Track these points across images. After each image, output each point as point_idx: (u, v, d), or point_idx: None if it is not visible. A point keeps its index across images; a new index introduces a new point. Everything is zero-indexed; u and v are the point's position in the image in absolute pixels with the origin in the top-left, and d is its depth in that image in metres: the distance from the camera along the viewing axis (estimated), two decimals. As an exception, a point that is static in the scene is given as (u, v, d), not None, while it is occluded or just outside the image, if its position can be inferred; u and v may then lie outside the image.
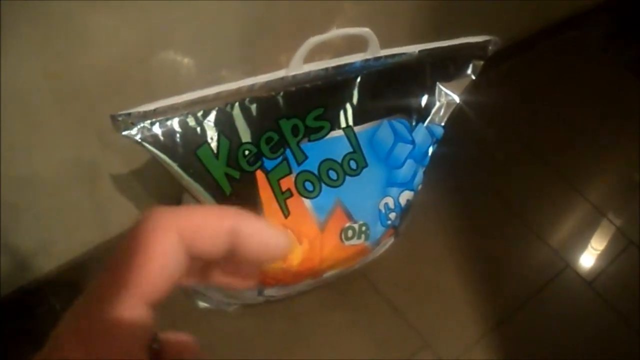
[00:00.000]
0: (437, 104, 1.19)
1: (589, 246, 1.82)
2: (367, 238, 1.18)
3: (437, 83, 1.18)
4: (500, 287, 1.67)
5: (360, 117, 1.11)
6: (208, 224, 0.33)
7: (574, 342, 1.61)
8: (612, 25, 2.52)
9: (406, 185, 1.21)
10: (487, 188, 1.88)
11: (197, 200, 1.02)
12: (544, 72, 2.27)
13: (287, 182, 1.07)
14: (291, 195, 1.07)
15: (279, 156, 1.05)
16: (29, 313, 1.45)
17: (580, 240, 1.83)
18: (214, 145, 0.98)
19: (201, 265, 0.38)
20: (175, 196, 1.23)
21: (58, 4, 0.88)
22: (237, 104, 0.99)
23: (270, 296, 1.36)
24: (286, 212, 1.08)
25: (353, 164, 1.12)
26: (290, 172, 1.07)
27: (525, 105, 2.14)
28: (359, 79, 1.09)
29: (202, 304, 1.48)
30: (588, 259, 1.79)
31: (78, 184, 1.27)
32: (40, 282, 1.41)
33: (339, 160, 1.11)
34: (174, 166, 0.96)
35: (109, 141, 1.16)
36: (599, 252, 1.81)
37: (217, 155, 0.99)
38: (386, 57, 1.11)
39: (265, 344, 1.49)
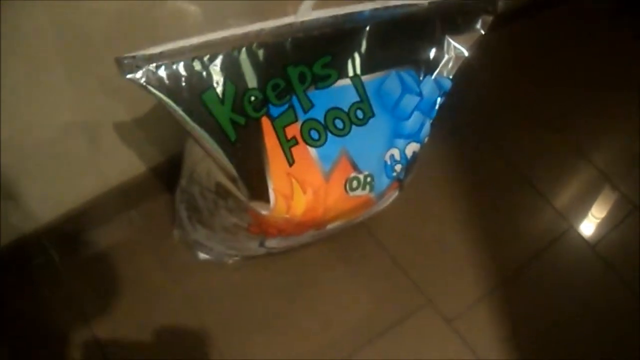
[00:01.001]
0: (446, 57, 1.18)
1: (593, 210, 1.82)
2: (371, 189, 1.18)
3: (446, 36, 1.17)
4: (503, 246, 1.68)
5: (368, 66, 1.10)
6: None
7: (575, 304, 1.62)
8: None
9: (413, 137, 1.20)
10: (493, 146, 1.88)
11: (202, 146, 1.02)
12: (554, 36, 2.25)
13: (293, 130, 1.06)
14: (296, 143, 1.07)
15: (285, 103, 1.04)
16: (27, 264, 1.44)
17: (585, 203, 1.84)
18: (219, 90, 0.97)
19: None
20: (178, 144, 1.22)
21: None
22: (244, 49, 0.98)
23: (272, 248, 1.37)
24: (291, 161, 1.07)
25: (360, 114, 1.11)
26: (296, 120, 1.06)
27: (533, 67, 2.13)
28: (367, 28, 1.08)
29: (202, 256, 1.49)
30: (591, 222, 1.79)
31: (80, 132, 1.26)
32: (40, 233, 1.41)
33: (346, 109, 1.10)
34: (179, 110, 0.95)
35: (113, 89, 1.16)
36: (602, 217, 1.81)
37: (222, 101, 0.98)
38: (395, 7, 1.10)
39: (264, 295, 1.50)
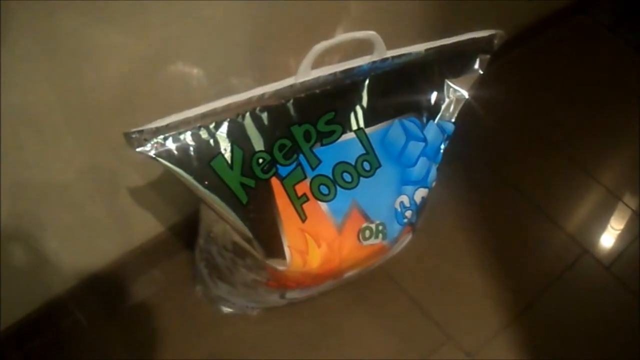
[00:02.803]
0: (447, 101, 1.19)
1: (606, 230, 1.82)
2: (384, 237, 1.19)
3: (446, 80, 1.19)
4: (518, 277, 1.68)
5: (371, 118, 1.12)
6: None
7: (593, 327, 1.61)
8: (620, 7, 2.51)
9: (420, 182, 1.21)
10: (500, 179, 1.89)
11: (214, 211, 1.03)
12: (552, 58, 2.26)
13: (303, 187, 1.08)
14: (307, 199, 1.08)
15: (292, 162, 1.06)
16: (55, 327, 1.46)
17: (597, 225, 1.83)
18: (227, 155, 0.99)
19: None
20: (194, 203, 1.24)
21: (63, 22, 0.89)
22: (248, 113, 0.99)
23: (293, 298, 1.37)
24: (303, 217, 1.08)
25: (366, 165, 1.13)
26: (305, 177, 1.07)
27: (534, 93, 2.14)
28: (367, 81, 1.10)
29: (225, 309, 1.50)
30: (605, 243, 1.79)
31: (96, 197, 1.28)
32: (65, 297, 1.43)
33: (353, 163, 1.12)
34: (190, 179, 0.97)
35: (123, 155, 1.16)
36: (615, 236, 1.81)
37: (231, 166, 0.99)
38: (393, 57, 1.12)
39: (289, 345, 1.50)
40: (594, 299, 1.67)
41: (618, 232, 1.81)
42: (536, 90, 2.15)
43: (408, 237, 1.32)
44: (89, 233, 1.35)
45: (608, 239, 1.79)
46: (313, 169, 1.08)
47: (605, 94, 2.18)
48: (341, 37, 1.03)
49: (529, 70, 2.21)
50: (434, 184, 1.26)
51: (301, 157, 1.07)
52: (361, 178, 1.13)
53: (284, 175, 1.05)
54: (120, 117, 1.10)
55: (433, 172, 1.24)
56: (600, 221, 1.84)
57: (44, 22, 0.87)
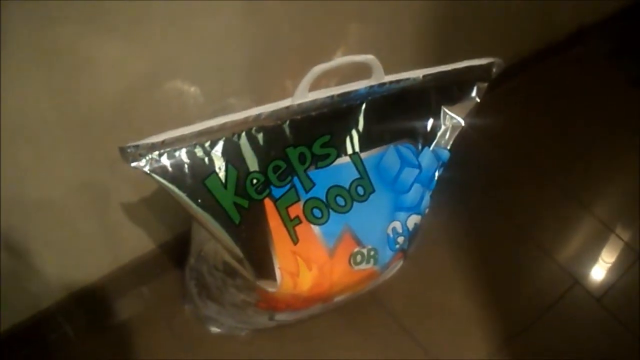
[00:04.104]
0: (443, 128, 1.20)
1: (597, 262, 1.82)
2: (376, 262, 1.19)
3: (442, 106, 1.19)
4: (508, 306, 1.68)
5: (367, 143, 1.12)
6: None
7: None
8: (618, 40, 2.52)
9: (413, 209, 1.21)
10: (493, 207, 1.89)
11: (206, 229, 1.03)
12: (549, 89, 2.28)
13: (296, 210, 1.07)
14: (300, 222, 1.08)
15: (286, 184, 1.05)
16: (42, 340, 1.45)
17: (589, 256, 1.84)
18: (222, 174, 0.98)
19: None
20: (185, 222, 1.23)
21: (62, 34, 0.89)
22: (243, 133, 0.99)
23: (282, 320, 1.37)
24: (295, 239, 1.08)
25: (360, 190, 1.13)
26: (299, 200, 1.07)
27: (531, 123, 2.15)
28: (364, 106, 1.10)
29: (214, 330, 1.49)
30: (596, 275, 1.79)
31: (88, 212, 1.28)
32: (54, 309, 1.42)
33: (347, 187, 1.11)
34: (183, 196, 0.96)
35: (118, 170, 1.17)
36: (607, 268, 1.81)
37: (225, 185, 0.99)
38: (391, 82, 1.12)
39: (277, 367, 1.49)
40: (583, 330, 1.66)
41: (609, 264, 1.81)
42: (532, 120, 2.16)
43: (399, 263, 1.32)
44: (80, 247, 1.35)
45: (599, 270, 1.80)
46: (307, 191, 1.08)
47: (601, 125, 2.19)
48: (340, 60, 1.03)
49: (526, 100, 2.22)
50: (427, 210, 1.26)
51: (295, 179, 1.06)
52: (355, 202, 1.13)
53: (277, 196, 1.05)
54: (116, 131, 1.10)
55: (427, 199, 1.24)
56: (592, 252, 1.84)
57: (43, 34, 0.87)
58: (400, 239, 1.21)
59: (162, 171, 0.94)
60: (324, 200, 1.10)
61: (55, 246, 1.29)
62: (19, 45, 0.86)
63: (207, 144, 0.97)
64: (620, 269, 1.80)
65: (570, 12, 2.21)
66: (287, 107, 1.03)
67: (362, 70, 1.10)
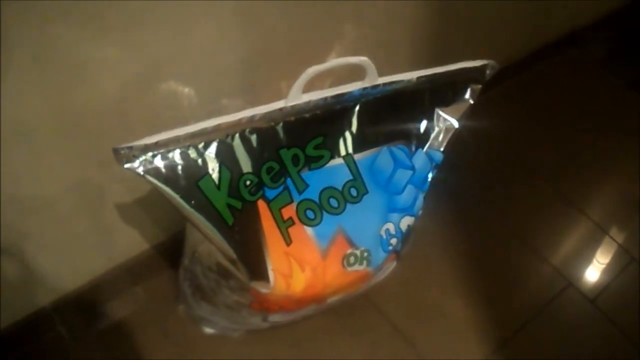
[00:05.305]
0: (436, 130, 1.20)
1: (591, 264, 1.82)
2: (369, 264, 1.19)
3: (436, 108, 1.19)
4: (502, 308, 1.67)
5: (360, 144, 1.12)
6: None
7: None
8: (612, 42, 2.53)
9: (407, 210, 1.21)
10: (487, 210, 1.89)
11: (200, 231, 1.03)
12: (543, 91, 2.28)
13: (289, 211, 1.08)
14: (293, 223, 1.08)
15: (280, 185, 1.06)
16: (35, 340, 1.45)
17: (582, 258, 1.83)
18: (215, 176, 0.98)
19: None
20: (179, 223, 1.23)
21: (57, 35, 0.89)
22: (237, 135, 0.99)
23: (275, 322, 1.37)
24: (288, 241, 1.08)
25: (353, 191, 1.13)
26: (292, 201, 1.07)
27: (524, 125, 2.15)
28: (357, 107, 1.10)
29: (208, 330, 1.49)
30: (590, 276, 1.79)
31: (82, 212, 1.28)
32: (48, 310, 1.42)
33: (340, 188, 1.12)
34: (176, 198, 0.96)
35: (112, 171, 1.17)
36: (601, 270, 1.81)
37: (218, 186, 0.99)
38: (384, 84, 1.12)
39: (270, 368, 1.49)
40: (577, 332, 1.66)
41: (603, 265, 1.81)
42: (526, 122, 2.16)
43: (392, 265, 1.32)
44: (74, 247, 1.34)
45: (593, 272, 1.79)
46: (300, 193, 1.08)
47: (594, 127, 2.19)
48: (334, 61, 1.03)
49: (520, 102, 2.22)
50: (420, 212, 1.26)
51: (289, 180, 1.07)
52: (348, 204, 1.13)
53: (270, 198, 1.05)
54: (110, 132, 1.09)
55: (420, 201, 1.24)
56: (585, 254, 1.84)
57: (38, 35, 0.87)
58: (394, 241, 1.21)
59: (156, 172, 0.94)
60: (317, 201, 1.10)
61: (50, 246, 1.28)
62: (14, 46, 0.85)
63: (200, 146, 0.97)
64: (614, 271, 1.80)
65: (564, 14, 2.21)
66: (281, 109, 1.03)
67: (356, 72, 1.10)
